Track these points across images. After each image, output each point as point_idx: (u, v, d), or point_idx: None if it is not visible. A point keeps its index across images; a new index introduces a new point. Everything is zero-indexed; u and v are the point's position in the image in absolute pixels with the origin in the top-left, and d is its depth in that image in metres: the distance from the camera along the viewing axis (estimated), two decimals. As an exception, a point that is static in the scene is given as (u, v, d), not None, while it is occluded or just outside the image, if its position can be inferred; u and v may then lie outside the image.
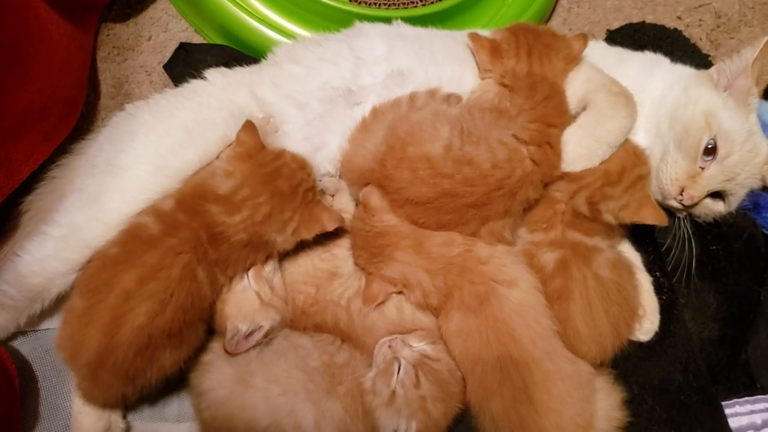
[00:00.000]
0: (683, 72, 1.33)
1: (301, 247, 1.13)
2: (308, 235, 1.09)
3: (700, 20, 1.85)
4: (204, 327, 1.07)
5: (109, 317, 0.96)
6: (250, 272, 1.07)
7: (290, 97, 1.20)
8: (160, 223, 1.03)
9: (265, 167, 1.08)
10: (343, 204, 1.21)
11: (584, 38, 1.27)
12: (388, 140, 1.13)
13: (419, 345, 1.12)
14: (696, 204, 1.24)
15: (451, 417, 1.10)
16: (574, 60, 1.25)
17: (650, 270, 1.30)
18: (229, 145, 1.12)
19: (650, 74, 1.32)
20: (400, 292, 1.13)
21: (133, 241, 1.02)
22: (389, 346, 1.11)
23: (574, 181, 1.17)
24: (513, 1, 1.60)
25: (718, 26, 1.84)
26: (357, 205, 1.20)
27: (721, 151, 1.21)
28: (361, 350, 1.14)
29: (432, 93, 1.20)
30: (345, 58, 1.22)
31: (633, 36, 1.67)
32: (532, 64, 1.23)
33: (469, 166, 1.10)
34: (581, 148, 1.17)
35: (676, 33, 1.70)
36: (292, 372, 1.08)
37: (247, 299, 1.05)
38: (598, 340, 1.14)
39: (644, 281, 1.27)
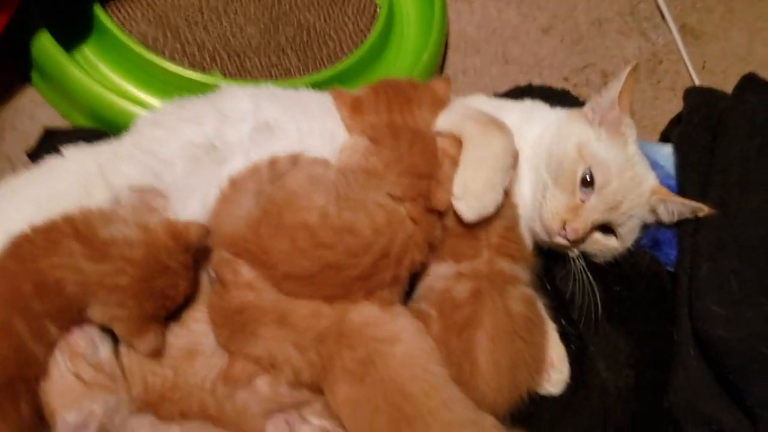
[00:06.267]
0: (560, 114, 1.31)
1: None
2: (121, 333, 0.98)
3: (587, 80, 1.88)
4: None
5: None
6: (58, 352, 0.95)
7: (150, 163, 1.12)
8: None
9: (168, 258, 0.99)
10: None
11: (447, 81, 1.25)
12: (263, 206, 1.06)
13: (319, 420, 1.01)
14: (583, 239, 1.18)
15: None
16: (439, 105, 1.22)
17: (555, 319, 1.22)
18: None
19: (529, 120, 1.30)
20: (267, 372, 1.02)
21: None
22: (285, 422, 1.00)
23: None
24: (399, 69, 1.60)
25: (606, 83, 1.86)
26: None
27: (598, 180, 1.17)
28: (239, 436, 1.01)
29: (294, 158, 1.14)
30: (208, 117, 1.16)
31: (521, 98, 1.68)
32: (392, 118, 1.19)
33: (350, 234, 1.03)
34: (478, 183, 1.10)
35: (564, 92, 1.70)
36: (153, 468, 0.95)
37: (67, 384, 0.92)
38: (496, 381, 1.04)
39: (549, 330, 1.19)
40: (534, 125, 1.29)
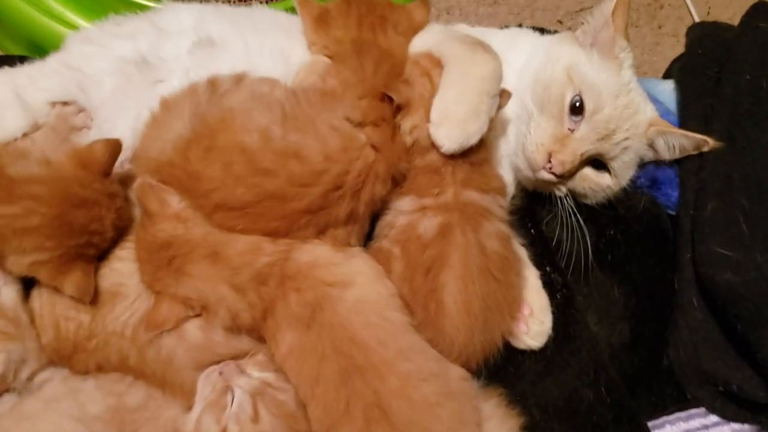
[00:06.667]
0: (548, 39, 1.17)
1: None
2: (45, 279, 0.85)
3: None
4: None
5: None
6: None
7: (76, 78, 0.99)
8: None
9: (81, 188, 0.86)
10: None
11: (426, 4, 1.10)
12: (195, 127, 0.92)
13: (260, 373, 0.89)
14: (572, 173, 1.04)
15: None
16: (416, 31, 1.08)
17: (539, 266, 1.07)
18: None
19: (513, 46, 1.15)
20: (198, 315, 0.88)
21: None
22: (220, 373, 0.88)
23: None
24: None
25: (603, 26, 1.72)
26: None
27: (588, 106, 1.02)
28: (164, 389, 0.88)
29: (239, 78, 1.00)
30: (144, 32, 1.03)
31: (510, 38, 1.53)
32: (362, 34, 1.04)
33: (295, 159, 0.88)
34: (461, 108, 0.95)
35: (556, 33, 1.56)
36: (63, 424, 0.81)
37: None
38: (466, 323, 0.91)
39: (531, 276, 1.05)
40: (519, 52, 1.15)
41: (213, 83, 0.98)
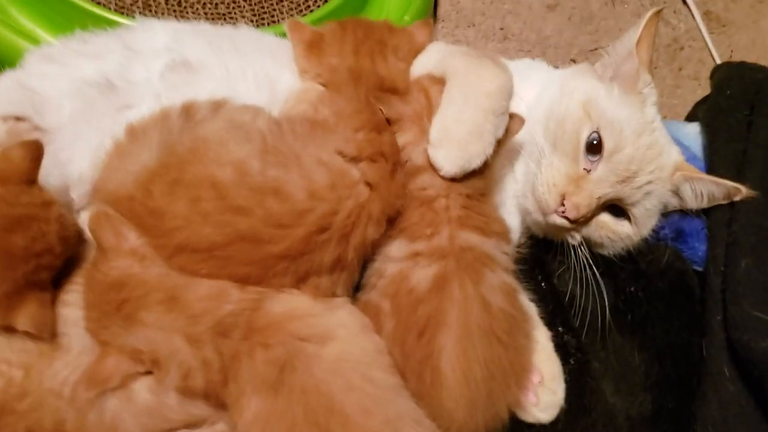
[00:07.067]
0: (563, 72, 1.06)
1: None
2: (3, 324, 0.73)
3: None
4: None
5: None
6: None
7: (31, 98, 0.88)
8: None
9: (9, 207, 0.74)
10: None
11: (428, 25, 1.01)
12: (161, 157, 0.80)
13: None
14: (587, 219, 0.92)
15: None
16: (415, 52, 0.98)
17: (550, 325, 0.95)
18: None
19: (525, 78, 1.04)
20: (149, 372, 0.75)
21: None
22: None
23: None
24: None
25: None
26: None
27: (608, 144, 0.91)
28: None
29: (218, 104, 0.89)
30: (112, 51, 0.93)
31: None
32: (359, 62, 0.94)
33: (274, 196, 0.77)
34: (463, 127, 0.84)
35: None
36: None
37: None
38: (467, 394, 0.78)
39: (542, 337, 0.92)
40: (532, 84, 1.04)
41: (188, 109, 0.87)
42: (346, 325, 0.78)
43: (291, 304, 0.77)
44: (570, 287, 0.98)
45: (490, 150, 0.86)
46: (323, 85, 0.95)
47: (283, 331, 0.75)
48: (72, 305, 0.78)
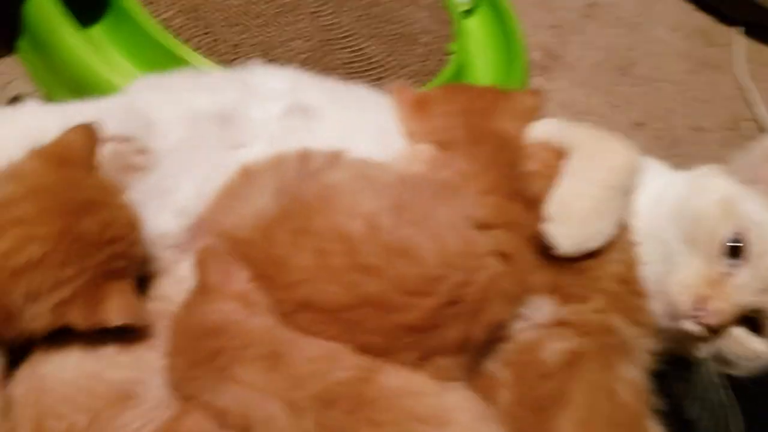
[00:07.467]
0: (686, 173, 0.99)
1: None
2: (80, 319, 0.63)
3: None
4: None
5: None
6: None
7: (141, 119, 0.82)
8: None
9: (76, 190, 0.66)
10: (165, 291, 0.74)
11: (538, 94, 0.96)
12: (284, 204, 0.73)
13: None
14: (723, 327, 0.81)
15: None
16: (527, 116, 0.91)
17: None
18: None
19: (645, 176, 0.97)
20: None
21: None
22: None
23: None
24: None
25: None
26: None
27: (754, 247, 0.82)
28: None
29: (335, 156, 0.82)
30: (230, 88, 0.88)
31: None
32: (469, 122, 0.88)
33: (406, 259, 0.68)
34: (584, 203, 0.78)
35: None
36: None
37: None
38: None
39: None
40: (651, 183, 0.96)
41: (304, 157, 0.81)
42: (464, 410, 0.67)
43: (406, 380, 0.67)
44: (695, 410, 0.86)
45: (611, 231, 0.79)
46: (437, 145, 0.88)
47: (397, 409, 0.64)
48: (156, 350, 0.67)
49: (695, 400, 0.85)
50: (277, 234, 0.70)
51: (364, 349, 0.67)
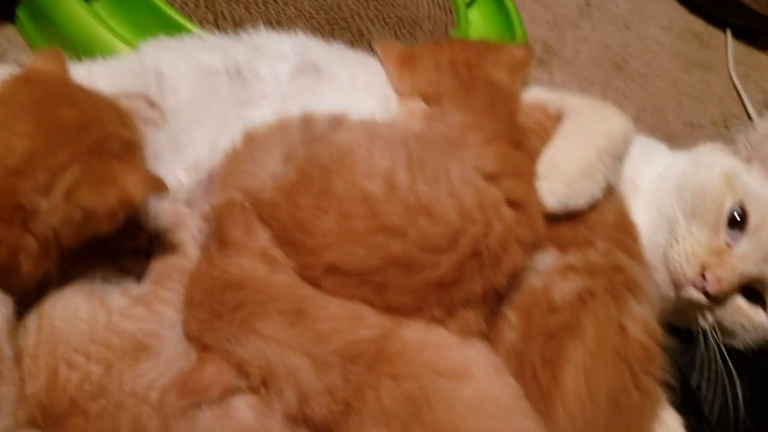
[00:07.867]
0: (690, 151, 1.01)
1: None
2: (96, 200, 0.61)
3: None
4: None
5: None
6: None
7: (154, 75, 0.82)
8: None
9: (49, 91, 0.66)
10: (177, 245, 0.73)
11: (528, 49, 0.95)
12: (301, 167, 0.72)
13: None
14: (725, 296, 0.83)
15: None
16: (519, 68, 0.91)
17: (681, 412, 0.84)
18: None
19: (648, 156, 0.99)
20: (254, 391, 0.63)
21: None
22: None
23: None
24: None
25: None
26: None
27: (754, 218, 0.85)
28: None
29: (336, 120, 0.82)
30: (239, 49, 0.88)
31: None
32: (458, 72, 0.88)
33: (427, 217, 0.68)
34: (574, 163, 0.79)
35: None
36: None
37: None
38: (587, 415, 0.70)
39: (671, 421, 0.81)
40: (654, 162, 0.98)
41: (307, 121, 0.81)
42: (482, 364, 0.67)
43: (426, 333, 0.66)
44: (695, 379, 0.87)
45: (598, 193, 0.80)
46: (424, 99, 0.88)
47: (417, 363, 0.64)
48: (171, 305, 0.67)
49: (696, 371, 0.86)
50: (300, 197, 0.69)
51: (393, 310, 0.66)
